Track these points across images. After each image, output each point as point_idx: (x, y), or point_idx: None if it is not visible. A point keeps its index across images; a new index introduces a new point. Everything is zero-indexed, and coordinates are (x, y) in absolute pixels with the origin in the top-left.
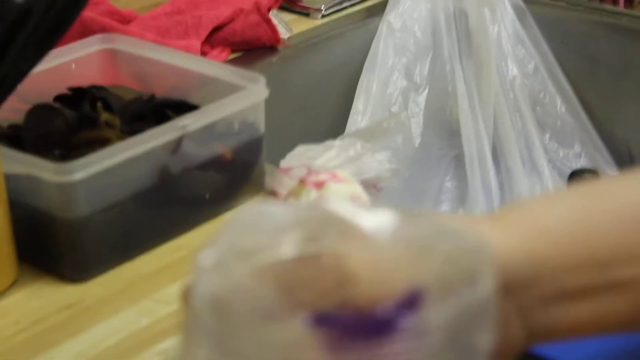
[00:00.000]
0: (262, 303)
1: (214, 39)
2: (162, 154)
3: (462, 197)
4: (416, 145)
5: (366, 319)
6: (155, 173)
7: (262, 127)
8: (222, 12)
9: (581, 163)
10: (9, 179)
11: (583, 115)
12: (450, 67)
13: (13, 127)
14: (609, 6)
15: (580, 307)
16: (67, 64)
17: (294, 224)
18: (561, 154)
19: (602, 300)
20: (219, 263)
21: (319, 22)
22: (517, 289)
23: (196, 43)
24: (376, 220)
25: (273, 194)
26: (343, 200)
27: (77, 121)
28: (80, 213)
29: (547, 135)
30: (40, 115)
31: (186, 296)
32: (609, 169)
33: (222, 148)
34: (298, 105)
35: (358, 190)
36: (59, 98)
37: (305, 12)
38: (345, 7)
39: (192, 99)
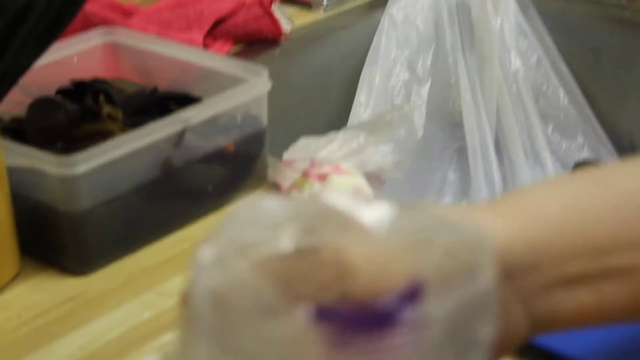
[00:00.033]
0: (262, 298)
1: (216, 32)
2: (164, 146)
3: (464, 189)
4: (419, 138)
5: (367, 312)
6: (158, 166)
7: (264, 120)
8: (224, 5)
9: (584, 155)
10: (12, 172)
11: (586, 107)
12: (453, 59)
13: (15, 120)
14: None
15: (581, 293)
16: (69, 58)
17: (293, 218)
18: (564, 145)
19: (603, 286)
20: (219, 259)
21: (321, 15)
22: (517, 275)
23: (198, 36)
24: (375, 213)
25: (276, 186)
26: (342, 194)
27: (80, 114)
28: (83, 206)
29: (550, 127)
30: (42, 108)
31: (185, 301)
32: (612, 160)
33: (224, 141)
34: (300, 97)
35: (361, 182)
36: (61, 91)
37: (307, 5)
38: (348, 0)
39: (195, 92)
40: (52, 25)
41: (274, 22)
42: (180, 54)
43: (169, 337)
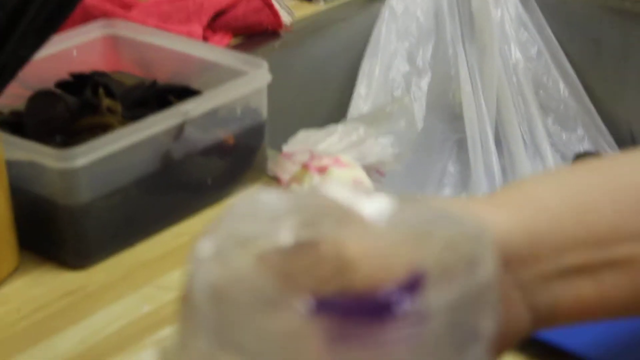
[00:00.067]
0: (262, 292)
1: (215, 24)
2: (164, 139)
3: (464, 181)
4: (419, 130)
5: (367, 303)
6: (158, 159)
7: (264, 113)
8: None
9: (584, 146)
10: (10, 165)
11: (586, 98)
12: (453, 51)
13: (14, 114)
14: None
15: (581, 284)
16: (68, 50)
17: (292, 211)
18: (564, 137)
19: (604, 277)
20: (218, 252)
21: (321, 6)
22: (517, 265)
23: (198, 28)
24: (375, 206)
25: (275, 179)
26: (341, 186)
27: (79, 107)
28: (82, 199)
29: (550, 119)
30: (41, 101)
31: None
32: (612, 152)
33: (224, 133)
34: (300, 90)
35: (361, 175)
36: (60, 84)
37: None
38: None
39: (194, 85)
40: (51, 17)
41: (274, 14)
42: (180, 47)
43: (168, 331)
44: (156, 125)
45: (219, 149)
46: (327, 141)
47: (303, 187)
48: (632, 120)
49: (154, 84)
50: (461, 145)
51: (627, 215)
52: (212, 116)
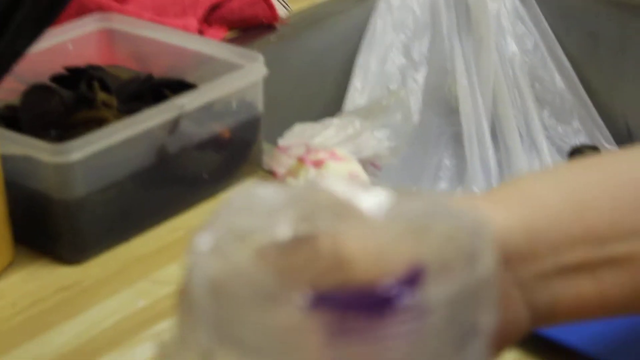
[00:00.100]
0: (261, 286)
1: (211, 17)
2: (159, 133)
3: (460, 174)
4: (415, 123)
5: (367, 297)
6: (153, 153)
7: (260, 106)
8: None
9: (580, 139)
10: (5, 160)
11: (582, 91)
12: (449, 44)
13: (9, 108)
14: None
15: (580, 281)
16: (63, 44)
17: (289, 205)
18: (560, 130)
19: (603, 275)
20: (216, 246)
21: None
22: (516, 263)
23: (193, 22)
24: (372, 200)
25: (271, 173)
26: (339, 180)
27: (74, 101)
28: (77, 194)
29: (546, 112)
30: (36, 95)
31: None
32: (608, 145)
33: (220, 127)
34: (296, 83)
35: (357, 168)
36: (55, 78)
37: None
38: None
39: (190, 78)
40: (46, 11)
41: (270, 7)
42: (176, 40)
43: (164, 326)
44: (151, 119)
45: (214, 143)
46: (323, 135)
47: (299, 180)
48: (628, 113)
49: (149, 77)
50: (457, 138)
51: (627, 213)
52: (207, 110)
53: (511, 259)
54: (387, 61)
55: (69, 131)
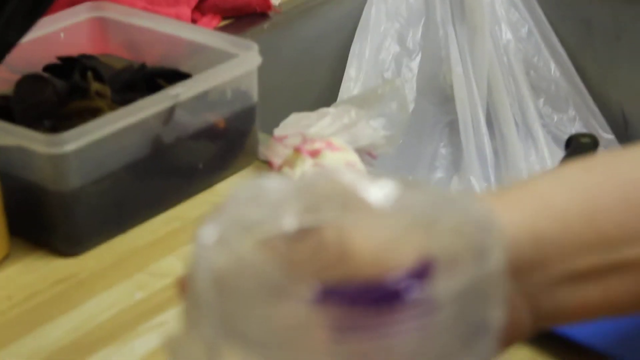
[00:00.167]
0: (267, 279)
1: (204, 6)
2: (154, 123)
3: (456, 163)
4: (410, 112)
5: (375, 290)
6: (148, 143)
7: (255, 95)
8: None
9: (575, 127)
10: None
11: (577, 79)
12: (444, 32)
13: (2, 98)
14: None
15: (588, 288)
16: (56, 33)
17: (295, 196)
18: (555, 118)
19: (611, 281)
20: (221, 238)
21: None
22: (523, 271)
23: (186, 10)
24: (379, 191)
25: (267, 163)
26: (346, 171)
27: (68, 91)
28: (72, 185)
29: (542, 100)
30: (29, 85)
31: (182, 285)
32: (604, 133)
33: (215, 117)
34: (290, 72)
35: (354, 158)
36: (48, 68)
37: None
38: None
39: (184, 68)
40: (38, 1)
41: None
42: (169, 29)
43: (161, 318)
44: (146, 109)
45: (209, 133)
46: (319, 124)
47: (295, 171)
48: (623, 100)
49: (142, 67)
50: (452, 127)
51: (637, 213)
52: (202, 99)
53: (518, 267)
54: (381, 49)
55: (63, 121)
